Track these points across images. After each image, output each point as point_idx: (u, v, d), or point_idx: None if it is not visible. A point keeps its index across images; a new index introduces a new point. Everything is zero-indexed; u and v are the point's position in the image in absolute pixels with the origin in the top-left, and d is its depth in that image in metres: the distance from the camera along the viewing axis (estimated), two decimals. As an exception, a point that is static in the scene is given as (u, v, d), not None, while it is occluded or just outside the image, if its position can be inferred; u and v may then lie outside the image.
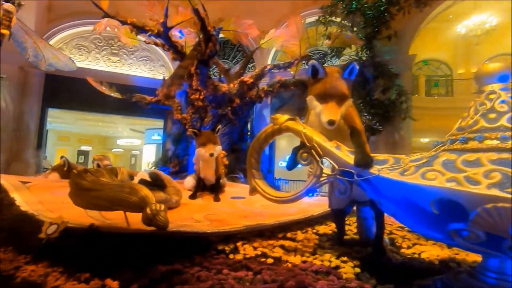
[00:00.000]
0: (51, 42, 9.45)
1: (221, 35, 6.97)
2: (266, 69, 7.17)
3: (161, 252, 2.00)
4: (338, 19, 8.59)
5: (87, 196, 2.00)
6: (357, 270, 1.86)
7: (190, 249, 2.08)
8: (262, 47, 7.98)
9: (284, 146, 10.93)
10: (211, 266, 1.88)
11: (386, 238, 2.41)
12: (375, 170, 1.55)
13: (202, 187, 4.05)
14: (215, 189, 4.00)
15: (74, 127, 16.11)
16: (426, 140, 12.72)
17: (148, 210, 1.81)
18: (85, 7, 7.30)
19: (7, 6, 5.51)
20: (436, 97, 13.13)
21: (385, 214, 2.04)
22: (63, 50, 10.35)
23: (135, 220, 2.17)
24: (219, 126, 4.04)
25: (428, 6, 7.54)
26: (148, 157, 14.39)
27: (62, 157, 5.24)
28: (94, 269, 1.79)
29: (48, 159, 12.83)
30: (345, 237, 2.54)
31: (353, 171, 1.66)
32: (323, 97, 1.93)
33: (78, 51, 11.09)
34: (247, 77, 6.91)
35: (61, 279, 1.73)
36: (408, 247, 2.40)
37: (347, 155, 1.77)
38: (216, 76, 8.67)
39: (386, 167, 1.54)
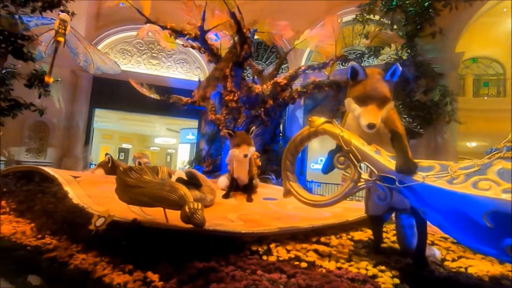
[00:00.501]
0: (98, 48, 10.19)
1: (255, 37, 7.04)
2: (300, 70, 7.09)
3: (197, 249, 2.07)
4: (377, 17, 8.25)
5: (131, 192, 2.14)
6: (396, 281, 1.78)
7: (224, 248, 2.14)
8: (297, 48, 7.92)
9: (316, 148, 10.72)
10: (245, 266, 1.91)
11: (435, 248, 2.26)
12: (419, 177, 1.47)
13: (235, 187, 4.12)
14: (248, 190, 4.04)
15: (116, 126, 17.21)
16: (473, 144, 11.72)
17: (186, 208, 1.89)
18: (129, 14, 7.77)
19: (63, 16, 6.08)
20: (485, 98, 12.06)
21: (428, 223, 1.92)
22: (109, 54, 11.11)
23: (173, 217, 2.28)
24: (253, 128, 4.08)
25: (479, -1, 6.96)
26: (183, 156, 14.94)
27: (106, 154, 5.63)
28: (136, 261, 1.91)
29: (92, 156, 13.84)
30: (382, 245, 2.44)
31: (394, 177, 1.59)
32: (363, 100, 1.87)
33: (122, 55, 11.84)
34: (281, 78, 6.90)
35: (108, 268, 1.88)
36: (453, 260, 2.24)
37: (388, 160, 1.70)
38: (249, 77, 8.76)
39: (432, 174, 1.46)
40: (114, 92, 10.78)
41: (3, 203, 3.33)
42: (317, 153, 11.23)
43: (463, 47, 8.50)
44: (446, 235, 2.55)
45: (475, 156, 1.46)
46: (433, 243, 2.54)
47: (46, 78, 6.42)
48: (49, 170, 3.95)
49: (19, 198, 3.43)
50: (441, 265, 2.14)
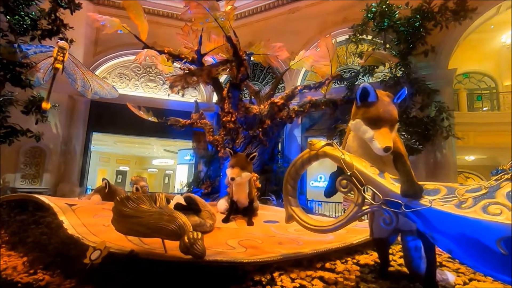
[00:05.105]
0: (97, 72, 10.33)
1: (251, 58, 7.16)
2: (297, 89, 7.17)
3: (197, 280, 1.97)
4: (370, 37, 8.47)
5: (128, 222, 2.06)
6: (408, 310, 1.69)
7: (226, 278, 2.04)
8: (292, 68, 8.05)
9: (315, 165, 10.65)
10: (248, 299, 1.81)
11: (448, 273, 2.18)
12: (426, 201, 1.42)
13: (235, 210, 4.02)
14: (248, 213, 3.94)
15: (113, 148, 17.17)
16: (472, 158, 11.75)
17: (186, 239, 1.82)
18: (127, 40, 7.95)
19: (62, 43, 6.19)
20: (483, 110, 12.27)
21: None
22: (107, 79, 11.26)
23: (172, 245, 2.19)
24: (255, 154, 3.97)
25: (468, 18, 7.18)
26: (181, 177, 14.82)
27: (103, 179, 5.53)
28: (133, 297, 1.81)
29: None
30: (389, 268, 2.35)
31: (400, 201, 1.54)
32: (375, 122, 1.82)
33: (119, 79, 12.00)
34: (278, 98, 6.96)
35: (103, 306, 1.77)
36: (464, 284, 2.15)
37: (391, 183, 1.66)
38: (246, 98, 8.84)
39: (439, 197, 1.41)
40: (112, 116, 10.82)
41: (-5, 235, 3.22)
42: (316, 170, 11.18)
43: (455, 64, 8.72)
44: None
45: (474, 170, 1.42)
46: (441, 264, 2.46)
47: (44, 105, 6.44)
48: (44, 199, 3.84)
49: (12, 229, 3.31)
50: (452, 289, 2.05)
